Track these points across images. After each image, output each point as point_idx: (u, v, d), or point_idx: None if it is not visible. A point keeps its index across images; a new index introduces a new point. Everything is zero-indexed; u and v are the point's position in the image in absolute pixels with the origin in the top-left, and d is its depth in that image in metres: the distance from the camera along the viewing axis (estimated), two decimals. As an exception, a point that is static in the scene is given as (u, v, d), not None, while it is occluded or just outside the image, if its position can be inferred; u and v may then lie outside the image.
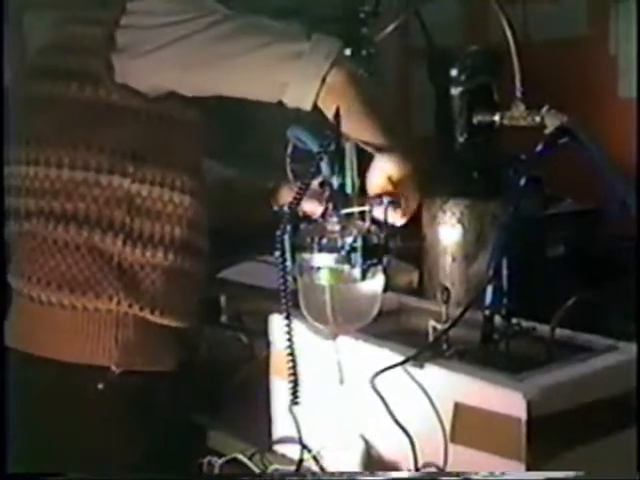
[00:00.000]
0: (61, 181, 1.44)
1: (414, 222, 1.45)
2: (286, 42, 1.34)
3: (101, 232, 1.42)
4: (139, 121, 1.42)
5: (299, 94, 1.33)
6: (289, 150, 1.40)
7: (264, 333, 1.39)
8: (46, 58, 1.48)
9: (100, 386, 1.41)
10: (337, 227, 1.26)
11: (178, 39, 1.36)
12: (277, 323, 1.31)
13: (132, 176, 1.42)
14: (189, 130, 1.47)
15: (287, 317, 1.26)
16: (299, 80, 1.32)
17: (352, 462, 1.22)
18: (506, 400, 1.06)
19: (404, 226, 1.38)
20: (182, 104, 1.44)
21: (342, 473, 1.24)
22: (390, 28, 1.35)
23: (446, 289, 1.26)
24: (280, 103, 1.35)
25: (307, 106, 1.33)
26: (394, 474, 1.18)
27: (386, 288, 1.27)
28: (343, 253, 1.23)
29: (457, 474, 1.11)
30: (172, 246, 1.45)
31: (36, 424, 1.43)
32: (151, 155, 1.43)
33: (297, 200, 1.24)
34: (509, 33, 1.51)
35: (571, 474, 1.04)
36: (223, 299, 1.73)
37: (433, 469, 1.14)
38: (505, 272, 1.25)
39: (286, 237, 1.23)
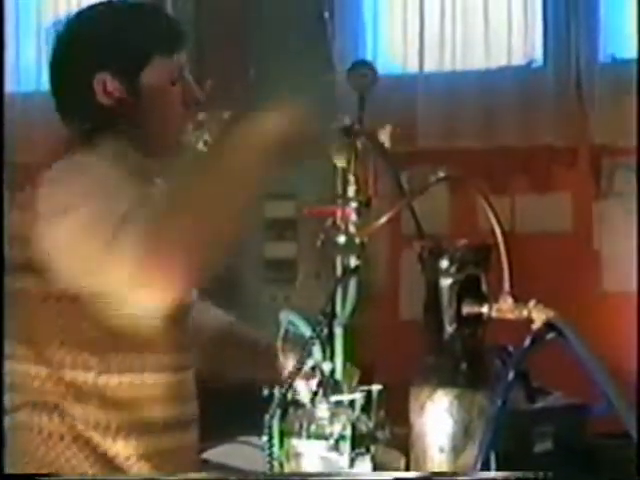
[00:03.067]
0: (40, 378, 1.42)
1: (403, 412, 1.44)
2: None
3: (82, 422, 1.41)
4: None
5: None
6: (281, 333, 1.41)
7: (247, 520, 1.36)
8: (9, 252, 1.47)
9: None
10: (326, 414, 1.26)
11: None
12: (261, 510, 1.29)
13: (95, 369, 1.41)
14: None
15: (272, 504, 1.25)
16: None
17: None
18: None
19: (392, 414, 1.38)
20: None
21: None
22: (384, 219, 1.39)
23: (433, 483, 1.25)
24: None
25: None
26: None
27: (373, 478, 1.26)
28: (331, 441, 1.22)
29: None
30: (152, 430, 1.44)
31: None
32: (113, 344, 1.41)
33: (289, 384, 1.25)
34: (497, 228, 1.56)
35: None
36: (206, 481, 1.69)
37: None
38: (493, 466, 1.24)
39: (275, 421, 1.23)
